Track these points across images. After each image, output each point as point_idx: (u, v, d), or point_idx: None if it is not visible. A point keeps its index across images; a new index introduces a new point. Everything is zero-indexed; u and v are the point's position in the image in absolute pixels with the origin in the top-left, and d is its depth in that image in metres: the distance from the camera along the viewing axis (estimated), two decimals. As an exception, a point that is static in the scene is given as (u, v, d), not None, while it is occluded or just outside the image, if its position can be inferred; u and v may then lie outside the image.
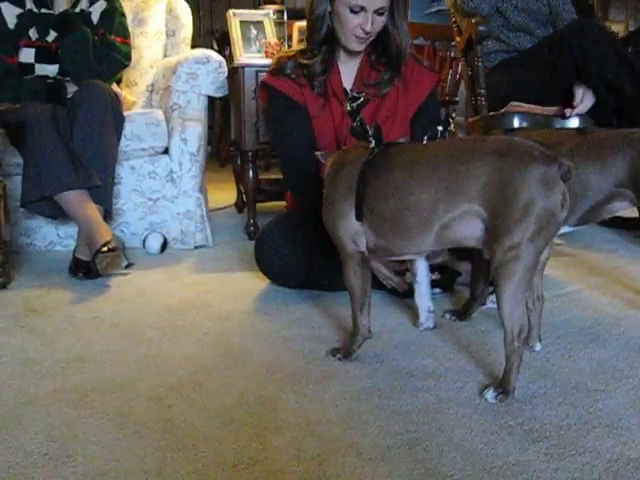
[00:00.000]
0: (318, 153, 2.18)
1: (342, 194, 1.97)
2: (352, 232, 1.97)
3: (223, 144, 7.42)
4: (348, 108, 2.01)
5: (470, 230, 1.82)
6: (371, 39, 2.57)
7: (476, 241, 1.84)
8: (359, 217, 1.94)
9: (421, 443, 1.57)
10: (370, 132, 1.98)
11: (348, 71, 2.68)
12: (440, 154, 1.85)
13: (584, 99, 3.20)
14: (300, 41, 3.63)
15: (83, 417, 1.73)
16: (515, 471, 1.46)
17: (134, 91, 3.92)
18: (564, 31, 3.34)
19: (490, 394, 1.77)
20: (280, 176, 3.31)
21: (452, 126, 4.21)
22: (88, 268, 2.91)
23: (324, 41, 2.61)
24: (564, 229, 2.44)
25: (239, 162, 4.42)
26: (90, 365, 2.04)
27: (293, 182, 2.74)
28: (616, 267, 3.02)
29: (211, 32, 8.78)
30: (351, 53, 2.64)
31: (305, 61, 2.61)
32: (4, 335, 2.29)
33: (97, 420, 1.71)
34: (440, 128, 2.00)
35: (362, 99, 2.00)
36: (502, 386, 1.77)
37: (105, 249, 2.80)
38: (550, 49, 3.34)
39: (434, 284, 2.54)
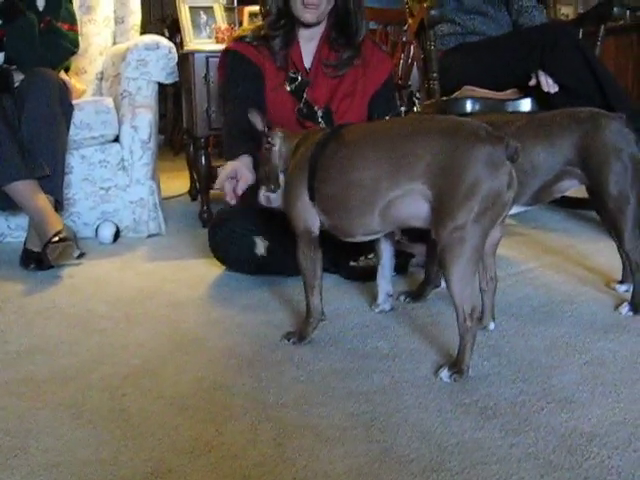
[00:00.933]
0: (258, 117, 2.12)
1: (297, 176, 1.97)
2: (306, 213, 1.96)
3: (176, 133, 7.36)
4: (288, 89, 2.00)
5: (415, 210, 1.82)
6: (322, 10, 2.56)
7: (422, 221, 1.84)
8: (312, 197, 1.94)
9: (377, 424, 1.57)
10: (319, 114, 1.97)
11: (308, 50, 2.67)
12: (386, 132, 1.85)
13: (549, 87, 3.22)
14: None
15: (36, 409, 1.70)
16: (470, 448, 1.47)
17: (83, 79, 3.85)
18: (533, 33, 3.36)
19: (445, 373, 1.78)
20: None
21: (417, 107, 4.23)
22: (39, 259, 2.87)
23: (280, 15, 2.60)
24: (516, 209, 2.46)
25: (192, 149, 4.39)
26: (42, 356, 2.01)
27: (229, 143, 2.62)
28: (569, 246, 3.05)
29: (162, 19, 8.70)
30: (308, 29, 2.63)
31: (267, 31, 2.61)
32: (-47, 328, 2.25)
33: (50, 411, 1.68)
34: (403, 108, 1.98)
35: (300, 79, 1.99)
36: (456, 365, 1.78)
37: (56, 239, 2.76)
38: (515, 41, 3.37)
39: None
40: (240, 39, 2.69)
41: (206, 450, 1.48)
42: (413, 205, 1.81)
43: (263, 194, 2.11)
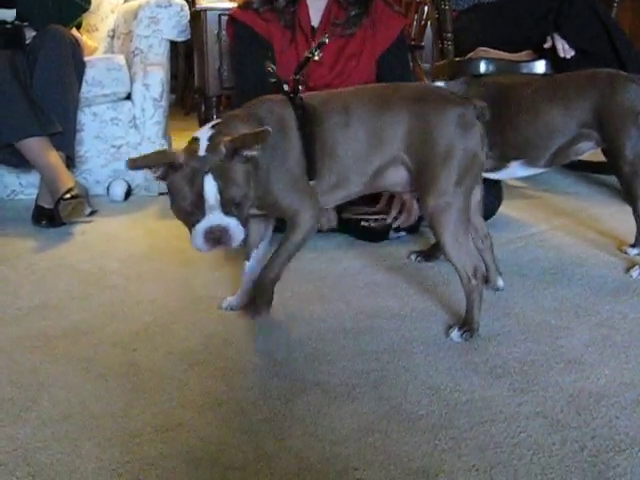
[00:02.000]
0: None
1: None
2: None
3: (188, 92, 7.31)
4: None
5: (397, 178, 1.83)
6: None
7: (402, 187, 1.87)
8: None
9: (386, 382, 1.58)
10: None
11: (316, 9, 2.64)
12: (363, 103, 1.82)
13: (565, 52, 3.18)
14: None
15: (48, 363, 1.71)
16: (479, 406, 1.47)
17: (95, 37, 3.82)
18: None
19: (455, 333, 1.78)
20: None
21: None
22: (51, 216, 2.87)
23: None
24: (532, 171, 2.45)
25: (203, 108, 4.36)
26: (54, 312, 2.02)
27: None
28: (580, 209, 3.03)
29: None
30: None
31: None
32: (-34, 283, 2.26)
33: (62, 365, 1.70)
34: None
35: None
36: (466, 325, 1.78)
37: (68, 196, 2.76)
38: (531, 3, 3.32)
39: (400, 227, 2.55)
40: (246, 5, 2.65)
41: (216, 405, 1.49)
42: (396, 173, 1.82)
43: None
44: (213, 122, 1.72)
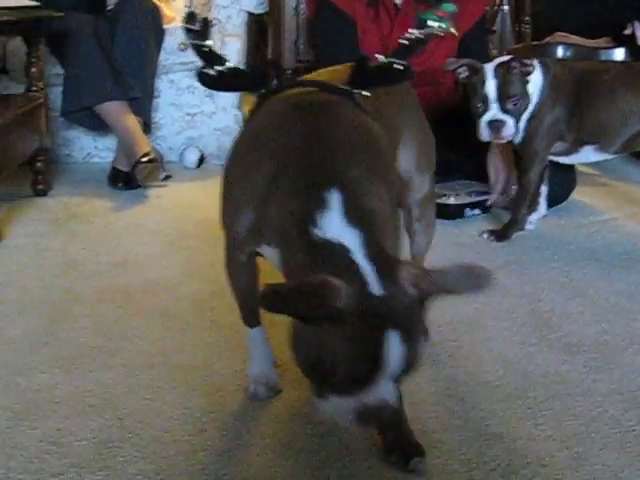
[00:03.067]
0: None
1: None
2: None
3: (258, 63, 7.35)
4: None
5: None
6: None
7: None
8: None
9: (462, 352, 1.60)
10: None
11: None
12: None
13: None
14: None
15: (129, 315, 1.77)
16: (554, 380, 1.49)
17: (172, 6, 3.87)
18: None
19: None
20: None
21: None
22: (127, 179, 2.94)
23: None
24: (605, 156, 2.43)
25: (276, 82, 4.39)
26: (133, 268, 2.08)
27: None
28: (652, 198, 3.01)
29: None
30: None
31: None
32: (46, 238, 2.33)
33: (143, 318, 1.75)
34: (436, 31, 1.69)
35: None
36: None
37: (145, 160, 2.81)
38: None
39: (474, 205, 2.56)
40: None
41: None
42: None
43: None
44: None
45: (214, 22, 3.41)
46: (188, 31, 1.37)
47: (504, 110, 2.25)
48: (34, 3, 2.60)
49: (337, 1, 2.63)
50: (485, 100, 2.25)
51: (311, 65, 3.89)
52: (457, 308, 1.81)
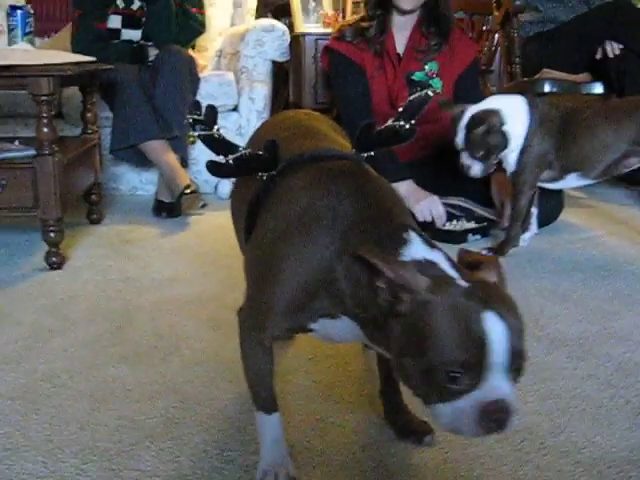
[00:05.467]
0: None
1: None
2: None
3: (277, 104, 7.57)
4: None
5: None
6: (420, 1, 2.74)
7: None
8: None
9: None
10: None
11: (401, 38, 2.83)
12: None
13: (614, 50, 3.35)
14: (353, 13, 3.77)
15: (182, 321, 1.95)
16: (542, 367, 1.66)
17: (204, 56, 4.08)
18: (597, 11, 3.49)
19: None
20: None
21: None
22: (170, 208, 3.13)
23: (379, 3, 2.78)
24: (588, 181, 2.60)
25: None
26: (182, 283, 2.26)
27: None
28: (632, 217, 3.15)
29: (265, 4, 8.87)
30: (404, 15, 2.79)
31: (364, 24, 2.78)
32: (106, 259, 2.52)
33: (194, 323, 1.93)
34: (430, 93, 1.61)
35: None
36: None
37: (188, 191, 3.00)
38: (583, 24, 3.49)
39: (475, 230, 2.73)
40: (340, 37, 2.86)
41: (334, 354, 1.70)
42: None
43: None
44: None
45: (243, 70, 3.63)
46: (195, 122, 1.29)
47: (472, 157, 2.46)
48: (89, 58, 2.79)
49: (348, 53, 2.80)
50: (457, 144, 2.48)
51: (327, 107, 4.12)
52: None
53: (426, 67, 2.70)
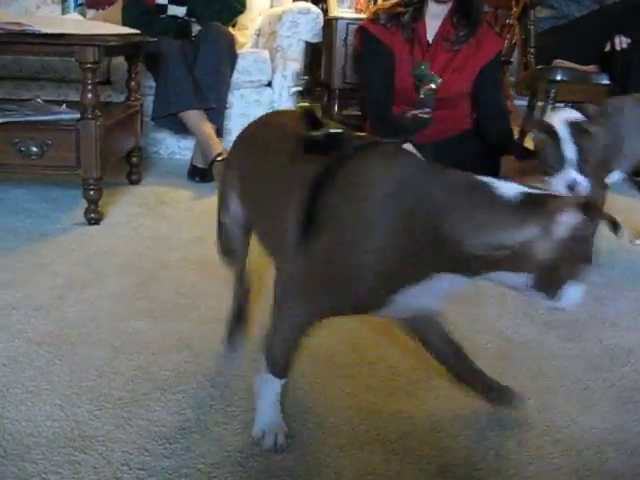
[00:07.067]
0: None
1: None
2: None
3: (312, 85, 7.47)
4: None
5: None
6: None
7: None
8: None
9: (461, 320, 1.71)
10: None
11: (432, 26, 2.72)
12: None
13: (622, 43, 3.24)
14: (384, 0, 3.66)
15: (203, 280, 1.92)
16: (533, 347, 1.61)
17: (244, 34, 4.00)
18: (608, 8, 3.38)
19: None
20: (358, 112, 3.42)
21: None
22: (203, 173, 3.09)
23: None
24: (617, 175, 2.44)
25: (326, 99, 4.52)
26: (208, 243, 2.20)
27: (372, 113, 2.77)
28: (631, 208, 3.06)
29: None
30: (439, 5, 2.68)
31: (400, 9, 2.68)
32: (141, 218, 2.49)
33: (215, 282, 1.89)
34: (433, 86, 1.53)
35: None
36: None
37: (219, 159, 2.95)
38: (594, 20, 3.39)
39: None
40: (374, 19, 2.75)
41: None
42: None
43: None
44: None
45: (278, 48, 3.55)
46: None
47: (581, 171, 1.96)
48: (135, 31, 2.74)
49: (379, 34, 2.71)
50: (561, 161, 1.95)
51: (354, 87, 4.03)
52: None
53: (422, 67, 2.62)
